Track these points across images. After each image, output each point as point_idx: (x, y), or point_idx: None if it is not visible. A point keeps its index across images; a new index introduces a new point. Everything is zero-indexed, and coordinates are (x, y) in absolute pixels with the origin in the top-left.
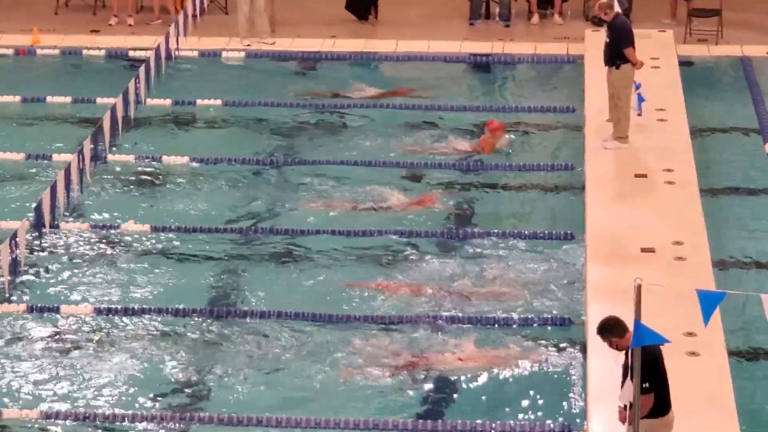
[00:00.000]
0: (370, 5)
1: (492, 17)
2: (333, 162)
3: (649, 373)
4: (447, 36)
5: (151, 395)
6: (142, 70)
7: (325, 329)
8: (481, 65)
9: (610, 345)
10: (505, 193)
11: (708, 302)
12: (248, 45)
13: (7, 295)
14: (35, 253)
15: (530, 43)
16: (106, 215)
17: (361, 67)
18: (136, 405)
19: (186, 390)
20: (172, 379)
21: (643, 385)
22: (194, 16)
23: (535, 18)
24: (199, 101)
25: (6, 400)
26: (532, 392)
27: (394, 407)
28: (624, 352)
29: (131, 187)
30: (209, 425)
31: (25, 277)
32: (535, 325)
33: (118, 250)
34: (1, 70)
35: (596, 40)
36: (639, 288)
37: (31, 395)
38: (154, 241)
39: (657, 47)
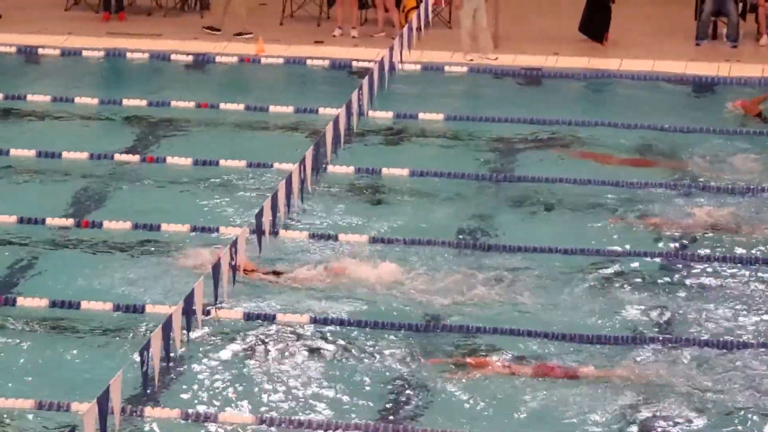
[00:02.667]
0: (605, 28)
1: (719, 37)
2: (552, 179)
3: None
4: (672, 56)
5: (364, 405)
6: (365, 82)
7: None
8: (705, 86)
9: None
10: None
11: None
12: (471, 60)
13: (225, 300)
14: (254, 261)
15: (758, 65)
16: (325, 225)
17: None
18: (350, 415)
19: (398, 403)
20: (384, 391)
21: None
22: (418, 29)
23: (764, 39)
24: (421, 114)
25: (221, 404)
26: (748, 417)
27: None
28: None
29: (350, 198)
30: None
31: (243, 284)
32: (760, 349)
33: (335, 260)
34: (226, 78)
35: None
36: None
37: (246, 400)
38: (372, 252)
39: None
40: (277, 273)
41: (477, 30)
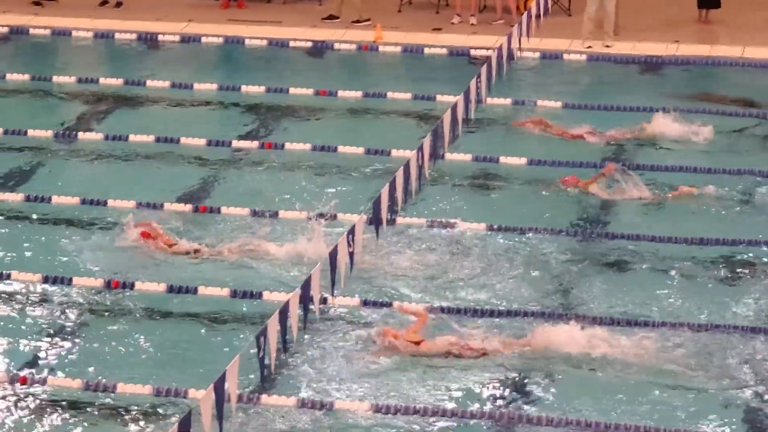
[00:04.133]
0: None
1: None
2: (671, 167)
3: None
4: None
5: (478, 393)
6: (483, 69)
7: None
8: None
9: None
10: None
11: None
12: (589, 47)
13: (342, 288)
14: (371, 248)
15: None
16: (443, 212)
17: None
18: (466, 401)
19: (522, 392)
20: (500, 379)
21: None
22: (537, 17)
23: None
24: (539, 102)
25: (337, 391)
26: None
27: None
28: None
29: (468, 186)
30: (536, 426)
31: (360, 271)
32: None
33: (453, 248)
34: (344, 66)
35: None
36: None
37: (362, 388)
38: (489, 240)
39: None
40: (196, 250)
41: (603, 17)
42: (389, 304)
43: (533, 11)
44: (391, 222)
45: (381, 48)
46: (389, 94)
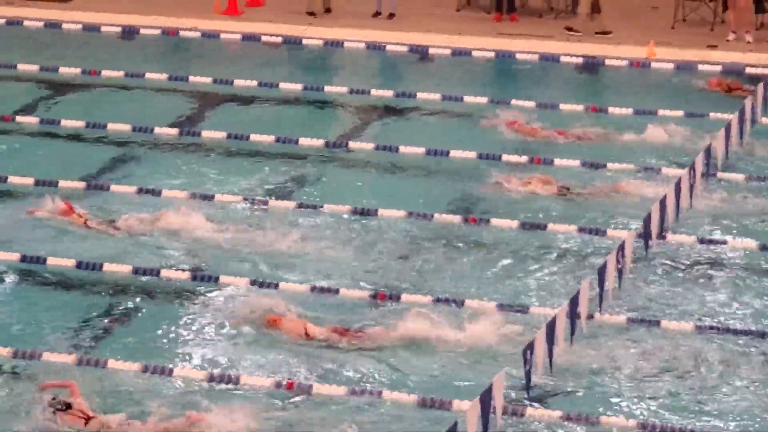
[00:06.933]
0: None
1: None
2: None
3: None
4: None
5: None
6: (759, 87)
7: None
8: None
9: None
10: None
11: None
12: None
13: (611, 303)
14: (640, 264)
15: None
16: (713, 230)
17: None
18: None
19: None
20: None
21: None
22: None
23: None
24: None
25: (603, 405)
26: None
27: None
28: None
29: (740, 203)
30: None
31: (627, 288)
32: None
33: (721, 266)
34: (615, 81)
35: None
36: None
37: (630, 404)
38: (760, 259)
39: None
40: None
41: None
42: (657, 323)
43: None
44: (661, 238)
45: (653, 65)
46: (659, 111)
